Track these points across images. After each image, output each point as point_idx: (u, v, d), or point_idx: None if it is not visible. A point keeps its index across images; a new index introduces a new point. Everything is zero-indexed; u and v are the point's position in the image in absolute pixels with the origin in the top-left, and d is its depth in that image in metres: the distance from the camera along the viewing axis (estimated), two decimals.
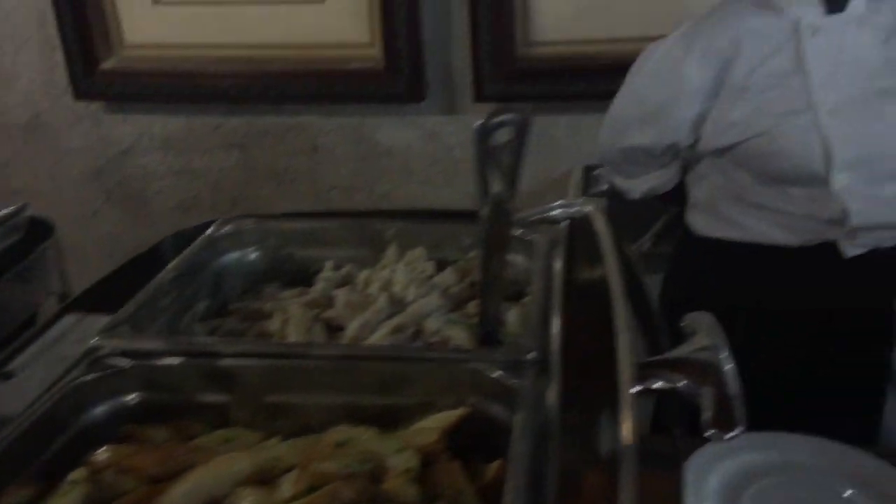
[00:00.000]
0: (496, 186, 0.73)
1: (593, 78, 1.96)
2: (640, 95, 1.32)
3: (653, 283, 1.54)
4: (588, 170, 1.98)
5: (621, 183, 1.47)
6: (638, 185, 1.44)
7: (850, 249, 1.23)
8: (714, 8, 1.28)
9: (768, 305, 1.29)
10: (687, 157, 1.36)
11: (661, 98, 1.28)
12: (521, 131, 0.70)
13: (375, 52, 2.04)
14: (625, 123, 1.36)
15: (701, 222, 1.35)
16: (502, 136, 0.70)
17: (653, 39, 1.37)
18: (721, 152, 1.27)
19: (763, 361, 1.29)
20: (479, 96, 2.04)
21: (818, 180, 1.20)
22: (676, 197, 1.45)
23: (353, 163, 2.21)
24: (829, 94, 1.19)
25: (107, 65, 2.09)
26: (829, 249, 1.24)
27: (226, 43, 2.09)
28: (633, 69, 1.34)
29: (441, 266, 1.05)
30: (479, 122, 0.67)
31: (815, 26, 1.21)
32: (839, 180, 1.19)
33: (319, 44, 2.08)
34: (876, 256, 1.25)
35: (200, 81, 2.11)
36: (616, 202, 1.60)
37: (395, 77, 2.04)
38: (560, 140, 2.10)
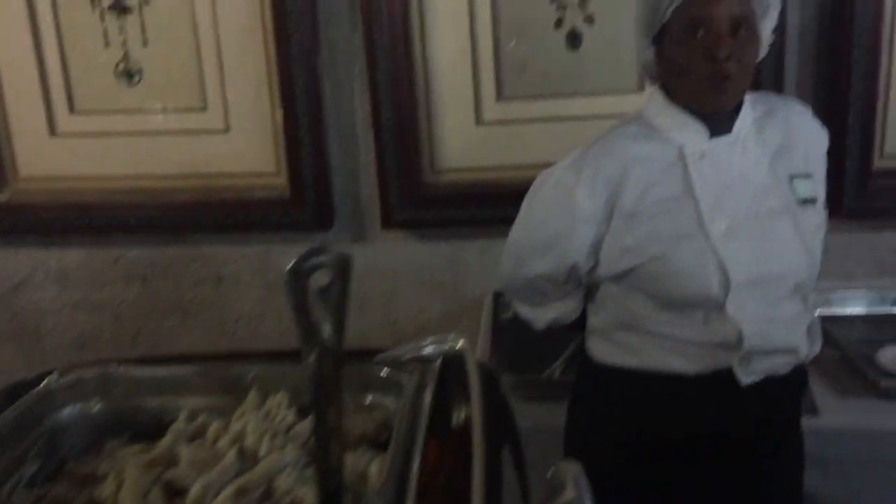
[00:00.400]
0: (325, 331, 0.66)
1: (501, 203, 1.94)
2: (537, 223, 1.30)
3: (561, 411, 1.48)
4: (497, 296, 1.94)
5: (526, 313, 1.42)
6: (542, 315, 1.40)
7: (746, 377, 1.19)
8: (600, 136, 1.28)
9: (667, 434, 1.23)
10: (588, 284, 1.33)
11: (557, 225, 1.26)
12: (342, 273, 0.64)
13: (281, 180, 2.01)
14: (525, 252, 1.32)
15: (599, 350, 1.31)
16: (323, 278, 0.64)
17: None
18: (618, 278, 1.24)
19: (667, 493, 1.22)
20: (387, 223, 2.01)
21: (714, 303, 1.17)
22: (582, 326, 1.41)
23: (259, 292, 2.14)
24: (719, 217, 1.18)
25: None
26: (725, 377, 1.19)
27: (127, 174, 2.04)
28: (528, 198, 1.32)
29: (304, 412, 0.97)
30: (291, 264, 0.62)
31: (700, 151, 1.20)
32: (735, 303, 1.16)
33: (224, 173, 2.04)
34: (771, 385, 1.21)
35: (99, 213, 2.04)
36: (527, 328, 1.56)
37: (302, 205, 2.00)
38: (471, 265, 2.06)
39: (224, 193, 2.03)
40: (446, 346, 0.97)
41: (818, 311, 1.78)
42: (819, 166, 1.32)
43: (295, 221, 2.02)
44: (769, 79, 1.80)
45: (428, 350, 0.98)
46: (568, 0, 1.86)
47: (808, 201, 1.25)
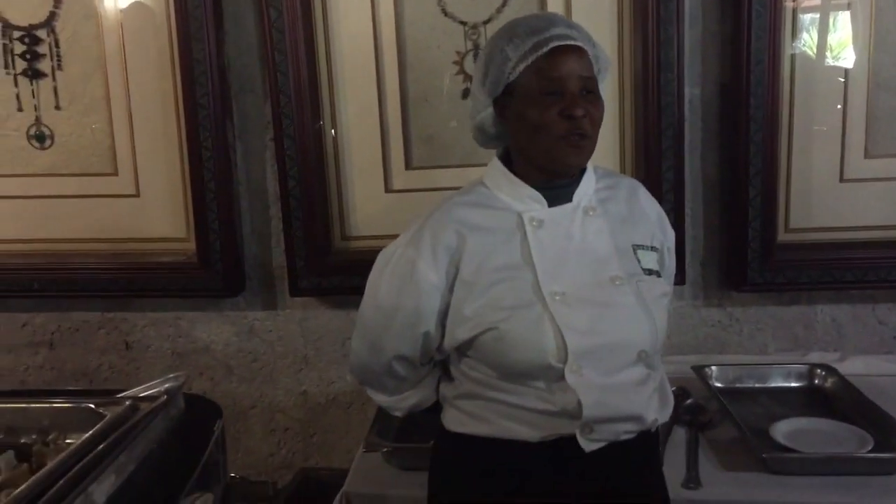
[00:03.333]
0: None
1: None
2: (385, 302, 1.26)
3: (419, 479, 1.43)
4: None
5: (384, 401, 1.38)
6: (401, 403, 1.36)
7: (588, 444, 1.16)
8: (437, 205, 1.27)
9: (518, 500, 1.19)
10: (442, 362, 1.31)
11: (405, 300, 1.23)
12: None
13: (190, 245, 2.00)
14: (377, 332, 1.28)
15: (451, 419, 1.27)
16: None
17: None
18: (463, 348, 1.21)
19: None
20: (296, 291, 1.99)
21: (553, 373, 1.14)
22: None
23: (169, 360, 2.10)
24: (557, 285, 1.16)
25: None
26: (569, 444, 1.16)
27: (34, 237, 2.03)
28: (371, 278, 1.29)
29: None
30: None
31: (539, 219, 1.20)
32: (574, 372, 1.13)
33: (133, 238, 2.03)
34: (616, 450, 1.17)
35: (5, 277, 2.02)
36: None
37: (210, 271, 1.98)
38: None
39: (131, 258, 2.01)
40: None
41: (718, 384, 1.78)
42: (664, 242, 1.31)
43: (203, 287, 2.00)
44: (671, 151, 1.82)
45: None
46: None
47: (653, 272, 1.23)
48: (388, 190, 1.97)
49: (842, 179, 1.86)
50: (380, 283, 1.26)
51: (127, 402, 1.14)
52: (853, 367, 1.85)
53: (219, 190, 1.94)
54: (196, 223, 1.97)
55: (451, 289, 1.20)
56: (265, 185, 2.01)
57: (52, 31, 1.94)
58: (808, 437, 1.53)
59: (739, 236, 1.85)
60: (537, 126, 1.17)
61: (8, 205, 2.03)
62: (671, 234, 1.36)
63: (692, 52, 1.84)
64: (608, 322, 1.17)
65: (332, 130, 1.94)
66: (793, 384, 1.80)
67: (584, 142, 1.18)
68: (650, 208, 1.32)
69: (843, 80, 1.82)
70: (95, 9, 1.93)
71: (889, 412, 1.58)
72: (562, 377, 1.14)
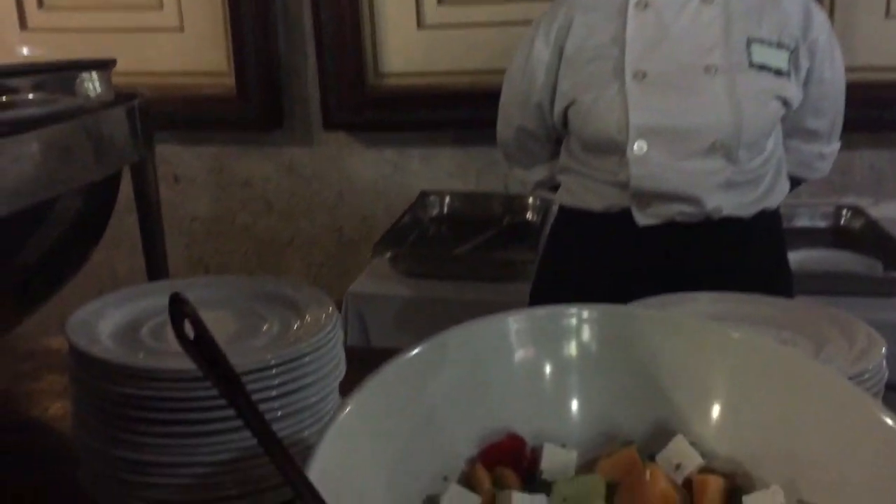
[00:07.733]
0: None
1: (442, 107, 1.97)
2: (512, 76, 1.37)
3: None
4: (423, 194, 1.98)
5: (519, 174, 1.49)
6: (531, 176, 1.46)
7: (642, 218, 1.22)
8: None
9: (589, 266, 1.29)
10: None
11: (526, 76, 1.33)
12: None
13: (230, 80, 2.07)
14: (507, 105, 1.40)
15: (557, 193, 1.38)
16: None
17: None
18: (563, 122, 1.30)
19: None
20: (329, 125, 2.05)
21: (620, 147, 1.20)
22: None
23: (213, 192, 2.20)
24: (642, 65, 1.20)
25: None
26: (627, 217, 1.23)
27: None
28: (512, 56, 1.40)
29: None
30: None
31: (644, 2, 1.22)
32: (637, 147, 1.19)
33: (175, 72, 2.10)
34: (670, 230, 1.22)
35: None
36: None
37: (248, 103, 2.05)
38: (414, 172, 2.08)
39: (173, 91, 2.09)
40: None
41: None
42: (799, 40, 1.24)
43: (242, 118, 2.07)
44: None
45: None
46: None
47: (766, 68, 1.21)
48: (420, 26, 1.98)
49: None
50: (512, 62, 1.37)
51: None
52: (888, 211, 1.81)
53: (257, 25, 1.98)
54: (235, 56, 2.03)
55: (558, 64, 1.28)
56: (302, 22, 2.04)
57: None
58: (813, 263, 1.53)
59: None
60: None
61: (64, 37, 2.12)
62: (820, 30, 1.26)
63: None
64: (685, 107, 1.19)
65: None
66: (819, 224, 1.78)
67: None
68: (791, 4, 1.25)
69: None
70: None
71: None
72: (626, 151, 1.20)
